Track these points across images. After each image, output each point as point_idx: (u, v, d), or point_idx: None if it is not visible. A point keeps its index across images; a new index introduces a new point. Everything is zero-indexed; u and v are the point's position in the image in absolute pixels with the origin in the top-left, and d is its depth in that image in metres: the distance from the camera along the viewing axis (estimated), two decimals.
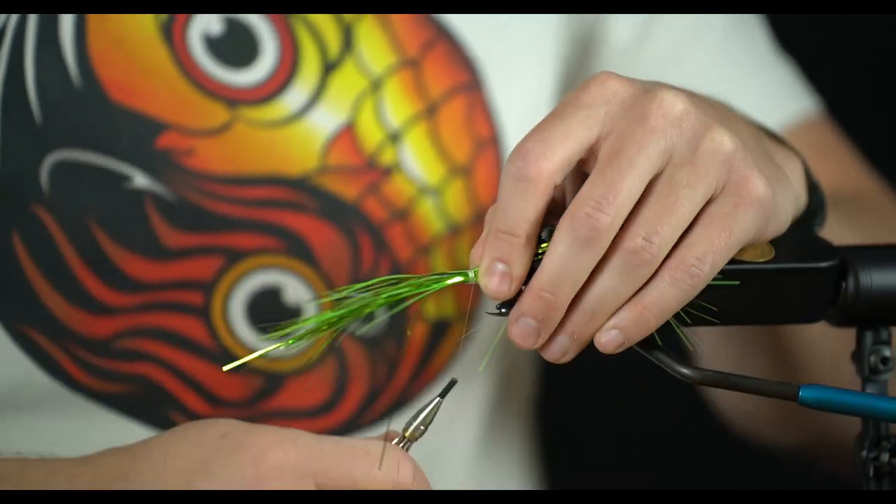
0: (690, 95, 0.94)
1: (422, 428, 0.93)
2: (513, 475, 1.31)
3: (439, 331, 1.25)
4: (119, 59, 1.19)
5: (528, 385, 1.34)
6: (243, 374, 1.22)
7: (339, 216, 1.22)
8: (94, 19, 1.19)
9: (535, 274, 0.91)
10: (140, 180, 1.19)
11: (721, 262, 0.91)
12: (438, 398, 0.93)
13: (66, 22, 1.18)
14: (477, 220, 1.25)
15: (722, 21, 1.30)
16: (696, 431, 1.68)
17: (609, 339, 0.91)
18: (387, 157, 1.24)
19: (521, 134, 1.24)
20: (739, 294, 0.94)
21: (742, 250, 0.95)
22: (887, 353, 0.95)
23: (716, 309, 0.93)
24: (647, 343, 0.94)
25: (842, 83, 1.74)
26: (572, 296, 0.91)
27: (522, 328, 0.92)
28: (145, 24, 1.19)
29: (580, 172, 0.93)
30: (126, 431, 1.20)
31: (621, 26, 1.29)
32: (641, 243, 0.90)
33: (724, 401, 1.32)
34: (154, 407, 1.21)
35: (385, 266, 1.24)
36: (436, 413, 0.93)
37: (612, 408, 1.77)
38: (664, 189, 0.90)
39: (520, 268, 0.92)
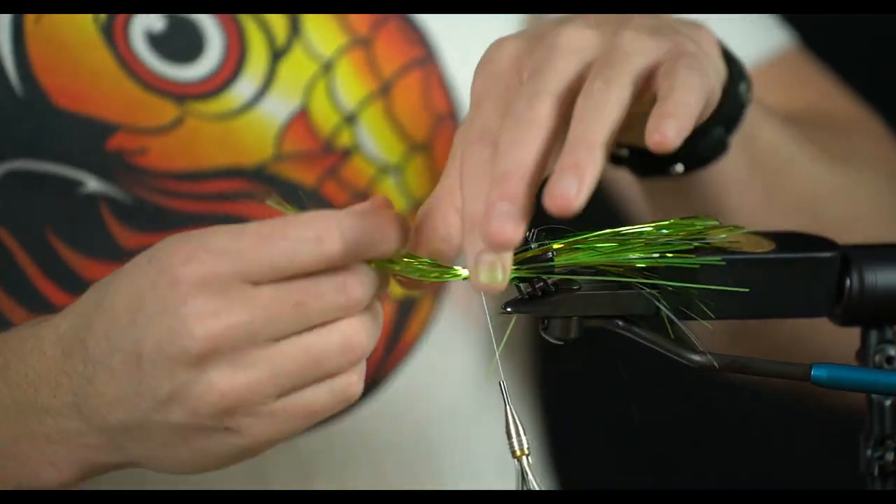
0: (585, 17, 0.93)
1: (523, 438, 0.92)
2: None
3: (406, 309, 1.24)
4: (61, 64, 1.15)
5: (525, 381, 1.33)
6: None
7: (299, 203, 1.19)
8: (31, 26, 1.15)
9: (497, 160, 0.86)
10: (93, 184, 1.16)
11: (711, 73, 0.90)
12: (508, 406, 0.92)
13: (3, 30, 1.15)
14: None
15: None
16: (696, 430, 1.69)
17: (669, 127, 0.85)
18: (344, 139, 1.21)
19: None
20: (741, 285, 0.94)
21: (741, 243, 0.95)
22: (892, 351, 0.95)
23: (717, 302, 0.94)
24: (655, 332, 0.93)
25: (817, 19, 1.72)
26: (540, 168, 0.86)
27: (502, 217, 0.84)
28: (85, 27, 1.16)
29: None
30: None
31: None
32: (602, 85, 0.88)
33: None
34: None
35: None
36: (515, 417, 0.92)
37: (611, 406, 1.77)
38: (602, 61, 0.89)
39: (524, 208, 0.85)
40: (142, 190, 1.17)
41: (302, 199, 1.20)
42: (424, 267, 0.91)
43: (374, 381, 1.23)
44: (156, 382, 0.87)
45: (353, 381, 0.89)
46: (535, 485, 0.92)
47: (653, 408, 1.72)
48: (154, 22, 1.17)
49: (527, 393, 1.33)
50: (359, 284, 0.88)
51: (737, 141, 1.06)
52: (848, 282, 0.96)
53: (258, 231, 0.87)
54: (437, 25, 1.22)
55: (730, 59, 1.02)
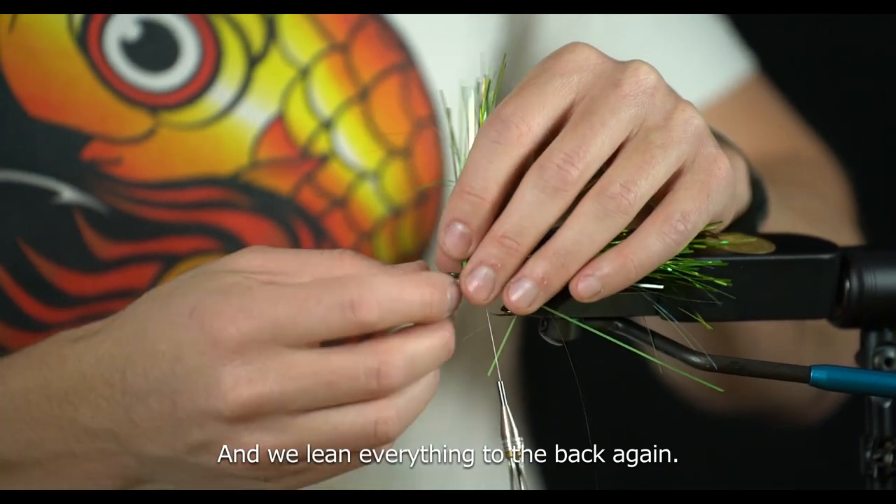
0: (661, 77, 0.93)
1: (517, 439, 0.92)
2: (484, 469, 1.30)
3: None
4: (34, 73, 1.13)
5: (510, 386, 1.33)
6: None
7: (273, 210, 1.18)
8: (4, 33, 1.13)
9: (498, 221, 0.89)
10: (68, 194, 1.14)
11: (700, 223, 0.90)
12: (504, 406, 0.92)
13: None
14: (419, 202, 1.22)
15: None
16: (692, 430, 1.69)
17: (586, 286, 0.89)
18: (321, 145, 1.19)
19: (457, 111, 1.20)
20: (742, 287, 0.94)
21: (741, 245, 0.95)
22: (891, 353, 0.96)
23: (720, 303, 0.93)
24: (654, 334, 0.93)
25: (779, 38, 1.73)
26: (533, 245, 0.89)
27: (480, 279, 0.89)
28: (59, 35, 1.14)
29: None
30: None
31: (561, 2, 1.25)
32: (619, 189, 0.89)
33: (671, 374, 1.33)
34: None
35: None
36: (510, 418, 0.92)
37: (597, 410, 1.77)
38: (639, 146, 0.90)
39: (479, 232, 0.89)
40: (117, 200, 1.15)
41: (277, 206, 1.18)
42: None
43: None
44: (189, 430, 0.90)
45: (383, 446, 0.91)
46: (525, 486, 0.92)
47: (649, 408, 1.73)
48: (128, 29, 1.15)
49: (514, 397, 1.32)
50: (394, 372, 0.89)
51: None
52: (847, 284, 0.95)
53: (295, 295, 0.88)
54: (416, 30, 1.21)
55: (755, 183, 1.03)
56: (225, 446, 0.89)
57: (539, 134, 0.90)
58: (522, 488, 0.92)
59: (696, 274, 0.93)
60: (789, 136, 1.31)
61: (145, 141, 1.16)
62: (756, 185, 1.03)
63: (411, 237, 1.22)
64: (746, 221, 1.02)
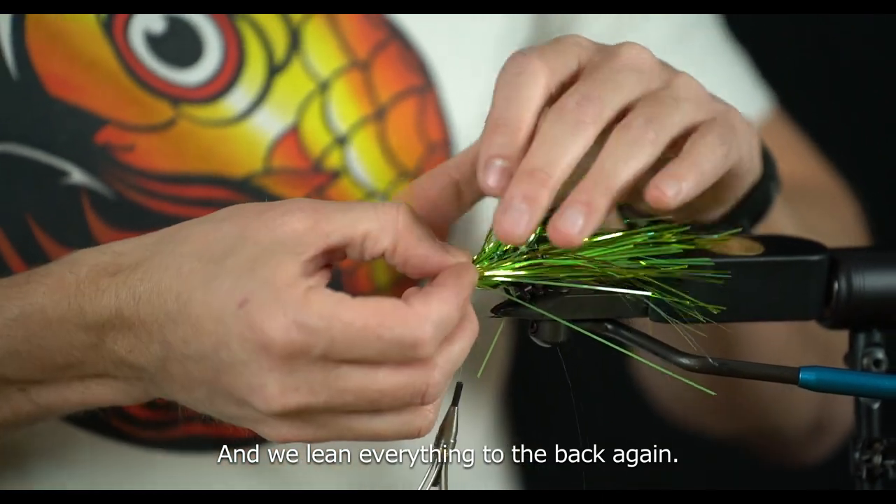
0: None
1: (452, 441, 0.93)
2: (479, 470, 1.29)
3: None
4: (59, 53, 1.15)
5: (496, 385, 1.32)
6: None
7: None
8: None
9: (525, 159, 0.89)
10: (77, 176, 1.15)
11: (736, 151, 0.93)
12: (453, 407, 0.92)
13: (4, 15, 1.13)
14: None
15: (681, 25, 1.30)
16: (684, 434, 1.68)
17: (668, 186, 0.89)
18: (333, 160, 1.20)
19: (473, 137, 1.22)
20: (732, 289, 0.93)
21: (731, 246, 0.95)
22: (880, 355, 0.96)
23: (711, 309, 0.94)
24: (645, 335, 0.93)
25: (796, 74, 1.76)
26: (563, 177, 0.89)
27: (513, 214, 0.88)
28: (86, 19, 1.16)
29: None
30: (67, 435, 1.15)
31: (588, 36, 1.28)
32: (643, 122, 0.90)
33: (662, 390, 1.32)
34: (96, 412, 1.16)
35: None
36: (456, 422, 0.93)
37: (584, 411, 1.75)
38: (650, 100, 0.92)
39: (516, 162, 0.89)
40: (124, 187, 1.16)
41: None
42: None
43: None
44: (226, 403, 0.91)
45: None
46: (446, 485, 0.93)
47: (643, 409, 1.71)
48: (154, 23, 1.17)
49: (499, 398, 1.31)
50: (439, 389, 0.90)
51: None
52: (836, 285, 0.96)
53: (353, 323, 0.88)
54: (437, 54, 1.23)
55: (765, 157, 1.04)
56: (259, 428, 0.90)
57: (555, 73, 0.91)
58: (447, 488, 0.93)
59: (686, 277, 0.94)
60: (805, 167, 1.31)
61: (163, 131, 1.17)
62: (765, 157, 1.04)
63: None
64: (761, 192, 1.03)
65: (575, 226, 0.88)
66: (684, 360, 0.93)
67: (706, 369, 0.93)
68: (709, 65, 1.30)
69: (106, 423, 1.17)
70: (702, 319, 0.94)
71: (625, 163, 0.89)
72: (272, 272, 0.88)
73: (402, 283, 1.22)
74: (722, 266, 0.94)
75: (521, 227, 0.88)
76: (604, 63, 0.93)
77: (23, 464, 1.15)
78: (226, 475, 1.16)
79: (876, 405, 0.95)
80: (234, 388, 0.89)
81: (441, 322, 0.89)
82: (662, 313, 0.93)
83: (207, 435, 1.17)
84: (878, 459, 0.94)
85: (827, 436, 1.27)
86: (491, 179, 0.89)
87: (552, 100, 0.92)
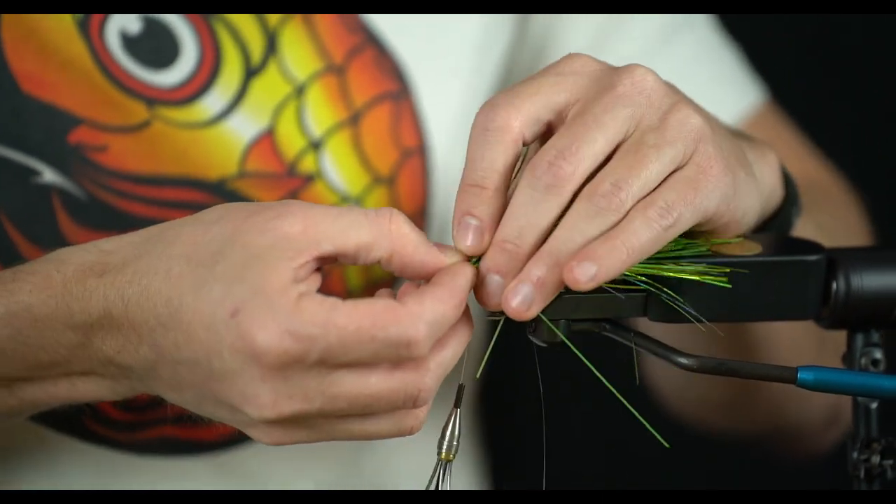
0: (660, 78, 0.94)
1: (455, 444, 0.92)
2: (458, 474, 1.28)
3: None
4: (33, 51, 1.13)
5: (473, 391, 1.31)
6: None
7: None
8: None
9: (499, 227, 0.90)
10: (49, 175, 1.13)
11: (688, 218, 0.91)
12: (455, 408, 0.92)
13: None
14: None
15: (670, 22, 1.30)
16: (684, 433, 1.68)
17: (582, 270, 0.88)
18: (307, 164, 1.19)
19: (448, 143, 1.21)
20: (729, 289, 0.93)
21: (728, 246, 0.95)
22: (878, 355, 0.96)
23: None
24: (643, 335, 0.93)
25: (789, 67, 1.77)
26: (536, 246, 0.89)
27: (489, 286, 0.90)
28: (62, 17, 1.14)
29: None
30: (42, 437, 1.12)
31: (572, 38, 1.28)
32: (609, 188, 0.89)
33: (672, 391, 1.31)
34: (67, 412, 1.14)
35: None
36: (459, 423, 0.92)
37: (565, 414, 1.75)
38: (632, 147, 0.90)
39: (490, 220, 0.90)
40: (96, 188, 1.14)
41: None
42: None
43: None
44: (217, 406, 0.89)
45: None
46: (448, 487, 0.92)
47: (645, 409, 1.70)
48: (130, 23, 1.16)
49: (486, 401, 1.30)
50: (431, 393, 0.89)
51: None
52: (834, 285, 0.96)
53: (347, 326, 0.87)
54: (413, 59, 1.22)
55: (787, 181, 1.04)
56: (250, 431, 0.89)
57: (529, 120, 0.91)
58: (448, 488, 0.93)
59: (684, 276, 0.94)
60: (802, 162, 1.32)
61: (137, 132, 1.15)
62: (787, 181, 1.04)
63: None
64: (782, 218, 1.03)
65: (525, 303, 0.89)
66: (683, 360, 0.93)
67: (704, 369, 0.93)
68: (701, 58, 1.30)
69: (82, 425, 1.15)
70: (700, 319, 0.93)
71: (583, 238, 0.89)
72: (263, 279, 0.87)
73: (377, 285, 1.21)
74: (719, 265, 0.94)
75: (497, 297, 0.90)
76: (595, 100, 0.91)
77: None
78: (202, 477, 1.15)
79: (874, 405, 0.96)
80: (226, 396, 0.88)
81: (435, 321, 0.88)
82: (656, 313, 0.93)
83: (182, 438, 1.15)
84: (876, 459, 0.94)
85: (840, 427, 1.28)
86: (467, 240, 0.91)
87: (546, 135, 0.92)
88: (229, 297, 0.87)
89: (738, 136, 1.03)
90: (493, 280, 0.90)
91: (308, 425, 0.89)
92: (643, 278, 0.93)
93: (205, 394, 0.89)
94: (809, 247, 0.96)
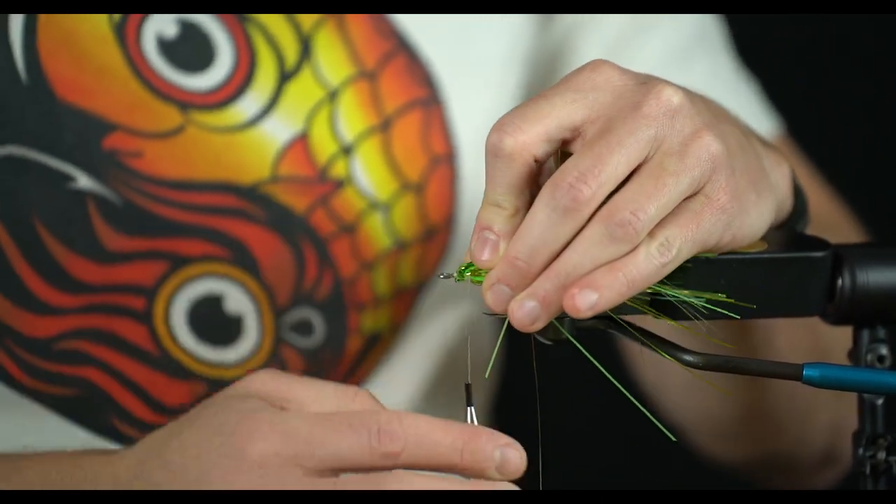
0: (688, 93, 0.93)
1: None
2: None
3: (371, 343, 1.23)
4: (69, 57, 1.16)
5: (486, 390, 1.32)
6: (187, 381, 1.18)
7: (285, 227, 1.20)
8: (44, 15, 1.15)
9: (512, 241, 0.91)
10: (84, 181, 1.16)
11: (686, 252, 0.91)
12: (469, 407, 0.92)
13: (16, 16, 1.14)
14: (425, 237, 1.23)
15: (687, 45, 1.31)
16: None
17: (584, 299, 0.89)
18: (338, 169, 1.21)
19: (477, 151, 1.23)
20: (734, 286, 0.94)
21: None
22: (884, 351, 0.96)
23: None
24: (648, 332, 0.93)
25: (804, 99, 1.77)
26: (546, 265, 0.90)
27: (496, 294, 0.91)
28: (98, 23, 1.17)
29: (568, 155, 0.93)
30: (67, 435, 1.15)
31: (590, 50, 1.29)
32: (628, 217, 0.89)
33: (676, 415, 1.32)
34: (96, 411, 1.16)
35: (327, 281, 1.21)
36: (475, 420, 0.92)
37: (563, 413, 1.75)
38: (654, 171, 0.90)
39: (509, 237, 0.91)
40: (132, 193, 1.17)
41: (289, 224, 1.20)
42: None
43: None
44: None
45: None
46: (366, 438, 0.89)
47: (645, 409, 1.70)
48: (166, 27, 1.18)
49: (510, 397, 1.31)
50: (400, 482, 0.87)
51: None
52: (840, 281, 0.96)
53: (328, 418, 0.86)
54: (444, 66, 1.24)
55: (797, 192, 1.04)
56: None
57: (538, 141, 0.91)
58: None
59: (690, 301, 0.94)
60: (814, 195, 1.32)
61: (171, 137, 1.18)
62: (798, 194, 1.04)
63: (412, 273, 1.24)
64: (791, 227, 1.03)
65: (530, 317, 0.90)
66: (688, 357, 0.93)
67: (710, 366, 0.93)
68: (716, 87, 1.30)
69: (106, 422, 1.17)
70: (705, 315, 0.94)
71: (593, 263, 0.90)
72: (249, 404, 0.88)
73: (404, 291, 1.23)
74: (724, 263, 0.94)
75: (504, 304, 0.91)
76: (619, 118, 0.91)
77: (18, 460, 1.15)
78: None
79: (880, 401, 0.96)
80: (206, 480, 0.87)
81: (417, 428, 0.87)
82: (660, 311, 0.93)
83: None
84: (882, 455, 0.94)
85: (836, 467, 1.27)
86: (483, 254, 0.91)
87: (568, 141, 0.92)
88: (224, 421, 0.87)
89: (756, 140, 1.03)
90: (502, 290, 0.91)
91: None
92: (642, 306, 0.94)
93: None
94: (815, 243, 0.96)
